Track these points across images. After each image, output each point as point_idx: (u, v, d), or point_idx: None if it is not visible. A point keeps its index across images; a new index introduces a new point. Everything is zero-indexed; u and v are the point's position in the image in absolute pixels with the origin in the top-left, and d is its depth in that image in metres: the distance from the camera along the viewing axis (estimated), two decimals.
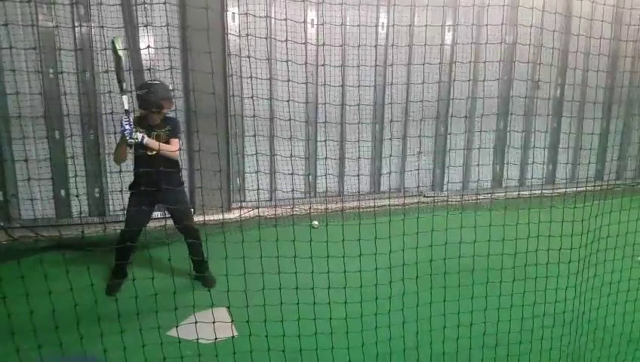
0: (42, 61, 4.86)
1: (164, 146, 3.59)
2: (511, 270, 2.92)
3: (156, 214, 5.51)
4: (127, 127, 3.33)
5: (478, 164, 6.25)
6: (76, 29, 4.98)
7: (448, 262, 2.88)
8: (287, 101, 4.74)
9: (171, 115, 3.94)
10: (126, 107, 3.33)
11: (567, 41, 6.70)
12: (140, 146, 3.46)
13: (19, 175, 5.03)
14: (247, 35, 4.40)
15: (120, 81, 3.31)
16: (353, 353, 2.66)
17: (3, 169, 4.98)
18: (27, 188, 4.92)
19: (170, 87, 3.75)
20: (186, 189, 4.71)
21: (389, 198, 5.44)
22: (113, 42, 3.28)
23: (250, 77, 3.46)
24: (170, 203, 3.79)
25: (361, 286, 2.74)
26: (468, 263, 3.04)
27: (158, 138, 3.62)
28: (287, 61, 3.70)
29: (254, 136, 5.29)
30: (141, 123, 3.65)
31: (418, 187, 6.47)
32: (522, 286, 2.90)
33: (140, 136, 3.43)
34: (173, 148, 3.65)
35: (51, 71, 4.96)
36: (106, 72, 3.06)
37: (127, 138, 3.34)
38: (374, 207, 3.84)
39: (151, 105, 3.58)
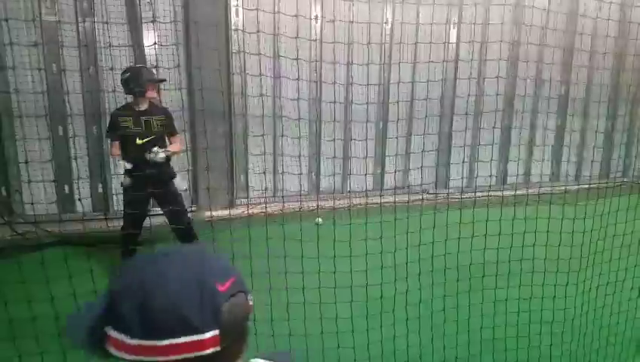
0: (45, 57, 4.84)
1: (173, 150, 3.66)
2: (507, 265, 2.92)
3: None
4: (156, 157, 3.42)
5: (484, 161, 6.23)
6: (80, 24, 4.95)
7: (449, 259, 2.88)
8: (295, 99, 4.74)
9: (158, 103, 3.96)
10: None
11: (572, 40, 6.65)
12: (162, 158, 3.50)
13: (22, 171, 5.02)
14: (258, 31, 4.38)
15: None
16: (358, 351, 2.67)
17: (6, 165, 4.98)
18: (30, 184, 4.91)
19: (155, 73, 3.79)
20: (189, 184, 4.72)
21: (395, 195, 5.42)
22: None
23: (260, 75, 3.45)
24: (163, 202, 3.76)
25: (367, 286, 2.73)
26: (466, 259, 3.02)
27: (148, 124, 3.60)
28: (296, 59, 3.68)
29: (262, 135, 5.28)
30: (130, 110, 3.63)
31: (421, 184, 6.44)
32: (519, 281, 2.91)
33: (155, 152, 3.45)
34: (179, 147, 3.71)
35: (54, 67, 4.95)
36: (111, 69, 3.08)
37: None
38: (380, 203, 3.82)
39: (134, 88, 3.57)
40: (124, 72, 3.65)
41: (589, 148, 6.93)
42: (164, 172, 3.68)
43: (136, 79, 3.55)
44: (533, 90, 6.73)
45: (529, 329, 2.86)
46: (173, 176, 3.87)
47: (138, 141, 3.53)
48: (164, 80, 4.00)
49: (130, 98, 3.72)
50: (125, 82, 3.60)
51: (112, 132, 3.63)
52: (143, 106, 3.64)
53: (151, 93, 3.67)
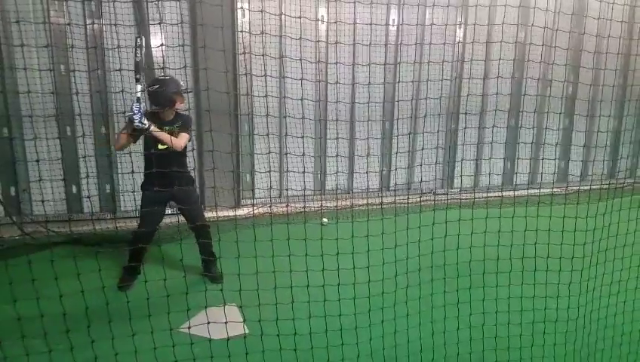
0: (54, 58, 4.90)
1: (167, 137, 3.51)
2: (509, 262, 2.92)
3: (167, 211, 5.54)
4: (136, 110, 3.36)
5: (489, 158, 6.23)
6: (88, 26, 5.02)
7: (450, 256, 2.88)
8: (301, 100, 4.77)
9: (184, 112, 3.94)
10: (138, 95, 3.40)
11: (579, 40, 6.63)
12: (146, 131, 3.44)
13: (31, 171, 5.09)
14: (262, 32, 4.42)
15: (137, 72, 3.46)
16: (362, 347, 2.69)
17: (15, 165, 5.05)
18: (39, 184, 4.99)
19: (182, 84, 3.78)
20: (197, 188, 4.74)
21: (395, 196, 5.45)
22: (137, 39, 3.48)
23: (265, 75, 3.47)
24: (182, 202, 3.83)
25: (369, 281, 2.75)
26: (467, 256, 3.00)
27: (170, 134, 3.60)
28: (300, 59, 3.70)
29: (267, 135, 5.31)
30: (153, 119, 3.66)
31: (425, 182, 6.45)
32: (521, 279, 2.90)
33: (147, 123, 3.42)
34: (179, 141, 3.60)
35: (62, 68, 5.02)
36: (119, 70, 3.10)
37: (136, 121, 3.36)
38: (383, 204, 3.84)
39: (162, 100, 3.60)
40: (152, 84, 3.66)
41: (595, 148, 6.91)
42: (183, 177, 3.73)
43: (164, 92, 3.59)
44: (539, 90, 6.71)
45: (532, 328, 2.87)
46: (192, 180, 3.94)
47: (160, 146, 3.60)
48: (190, 90, 3.99)
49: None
50: (153, 94, 3.62)
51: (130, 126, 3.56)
52: (169, 116, 3.70)
53: (178, 105, 3.72)
